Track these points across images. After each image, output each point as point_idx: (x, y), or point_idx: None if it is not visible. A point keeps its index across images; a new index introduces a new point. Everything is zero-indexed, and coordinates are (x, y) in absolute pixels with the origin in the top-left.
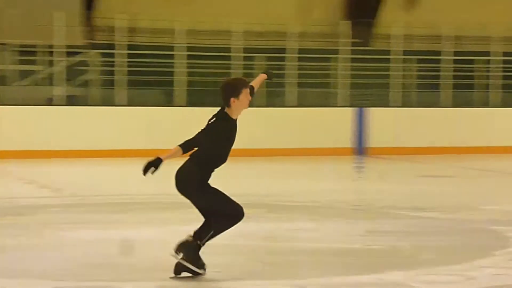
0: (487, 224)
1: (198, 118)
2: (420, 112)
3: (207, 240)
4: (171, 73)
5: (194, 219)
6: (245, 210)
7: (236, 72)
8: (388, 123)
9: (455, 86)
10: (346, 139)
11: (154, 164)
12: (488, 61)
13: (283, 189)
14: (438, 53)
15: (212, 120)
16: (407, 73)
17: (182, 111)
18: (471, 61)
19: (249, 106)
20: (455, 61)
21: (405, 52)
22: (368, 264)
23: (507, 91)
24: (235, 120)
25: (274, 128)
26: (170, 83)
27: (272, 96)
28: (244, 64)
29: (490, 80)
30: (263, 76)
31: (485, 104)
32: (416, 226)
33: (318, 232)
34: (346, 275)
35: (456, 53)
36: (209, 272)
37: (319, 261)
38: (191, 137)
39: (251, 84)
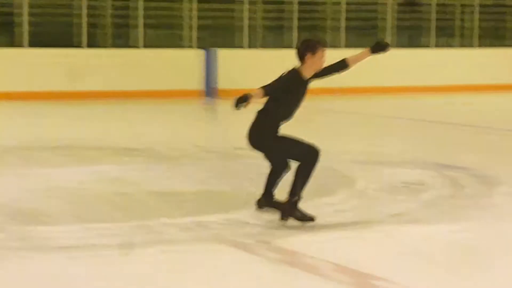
0: (331, 163)
1: (42, 58)
2: (267, 53)
3: (301, 191)
4: (14, 14)
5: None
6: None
7: (79, 12)
8: (236, 64)
9: (301, 28)
10: (195, 81)
11: (245, 99)
12: (337, 3)
13: (129, 132)
14: None
15: (283, 73)
16: (254, 15)
17: (25, 52)
18: (317, 3)
19: (93, 47)
20: (301, 3)
21: None
22: (215, 204)
23: (351, 32)
24: (307, 81)
25: (121, 70)
26: (13, 24)
27: (119, 37)
28: (89, 5)
29: (340, 22)
30: (366, 52)
31: (335, 45)
32: (264, 167)
33: (167, 173)
34: (193, 216)
35: None
36: (56, 219)
37: (167, 202)
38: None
39: (349, 57)
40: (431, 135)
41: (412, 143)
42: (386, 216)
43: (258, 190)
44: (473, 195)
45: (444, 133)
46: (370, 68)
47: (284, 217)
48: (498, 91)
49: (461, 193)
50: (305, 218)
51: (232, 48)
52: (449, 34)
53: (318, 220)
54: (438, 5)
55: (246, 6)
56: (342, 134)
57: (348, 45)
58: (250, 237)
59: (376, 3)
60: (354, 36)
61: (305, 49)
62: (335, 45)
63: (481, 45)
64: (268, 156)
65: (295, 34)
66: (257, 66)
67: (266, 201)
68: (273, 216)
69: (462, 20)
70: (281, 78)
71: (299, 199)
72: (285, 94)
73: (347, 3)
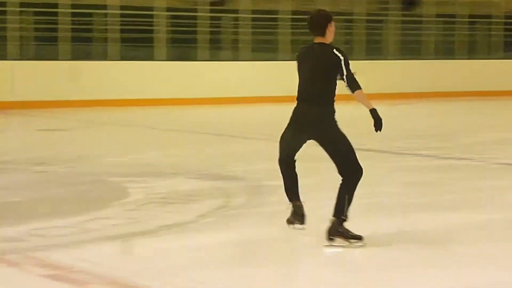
0: (104, 176)
1: None
2: (38, 65)
3: (347, 209)
4: None
5: None
6: None
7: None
8: (6, 76)
9: (73, 39)
10: None
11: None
12: (105, 15)
13: None
14: (55, 5)
15: (335, 53)
16: (25, 26)
17: None
18: (89, 14)
19: None
20: (73, 14)
21: (23, 4)
22: None
23: (125, 45)
24: None
25: None
26: None
27: None
28: None
29: (108, 34)
30: (368, 108)
31: (104, 57)
32: (33, 180)
33: None
34: None
35: (73, 6)
36: None
37: None
38: (350, 77)
39: (360, 93)
40: (203, 146)
41: (184, 154)
42: (158, 227)
43: (24, 204)
44: (244, 204)
45: (215, 143)
46: (137, 80)
47: (332, 236)
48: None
49: (233, 203)
50: (354, 237)
51: (2, 59)
52: (219, 47)
53: (92, 235)
54: (211, 18)
55: (17, 17)
56: (113, 146)
57: (123, 57)
58: (18, 251)
59: (151, 15)
60: (129, 48)
61: (326, 20)
62: (112, 57)
63: (254, 58)
64: (331, 148)
65: (67, 45)
66: (28, 78)
67: (300, 210)
68: (41, 231)
69: (234, 33)
70: (347, 61)
71: (346, 218)
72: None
73: (121, 15)
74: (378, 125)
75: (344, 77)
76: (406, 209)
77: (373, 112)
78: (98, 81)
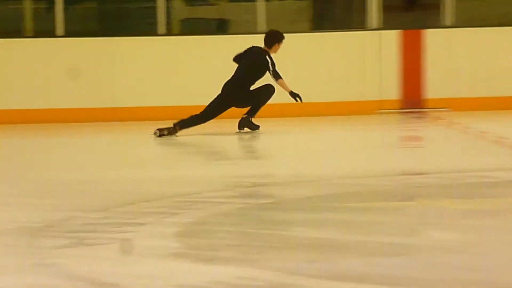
0: None
1: None
2: None
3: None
4: None
5: None
6: None
7: None
8: None
9: None
10: None
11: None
12: None
13: None
14: None
15: (266, 58)
16: None
17: None
18: None
19: None
20: None
21: None
22: None
23: None
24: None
25: None
26: None
27: None
28: None
29: None
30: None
31: None
32: None
33: None
34: None
35: None
36: None
37: None
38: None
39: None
40: None
41: None
42: None
43: None
44: None
45: None
46: None
47: (241, 128)
48: None
49: None
50: (255, 128)
51: None
52: None
53: None
54: None
55: None
56: None
57: None
58: None
59: None
60: None
61: (275, 38)
62: None
63: None
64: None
65: None
66: None
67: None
68: None
69: None
70: (273, 63)
71: (251, 118)
72: None
73: None
74: (298, 98)
75: (270, 72)
76: None
77: (291, 93)
78: None
